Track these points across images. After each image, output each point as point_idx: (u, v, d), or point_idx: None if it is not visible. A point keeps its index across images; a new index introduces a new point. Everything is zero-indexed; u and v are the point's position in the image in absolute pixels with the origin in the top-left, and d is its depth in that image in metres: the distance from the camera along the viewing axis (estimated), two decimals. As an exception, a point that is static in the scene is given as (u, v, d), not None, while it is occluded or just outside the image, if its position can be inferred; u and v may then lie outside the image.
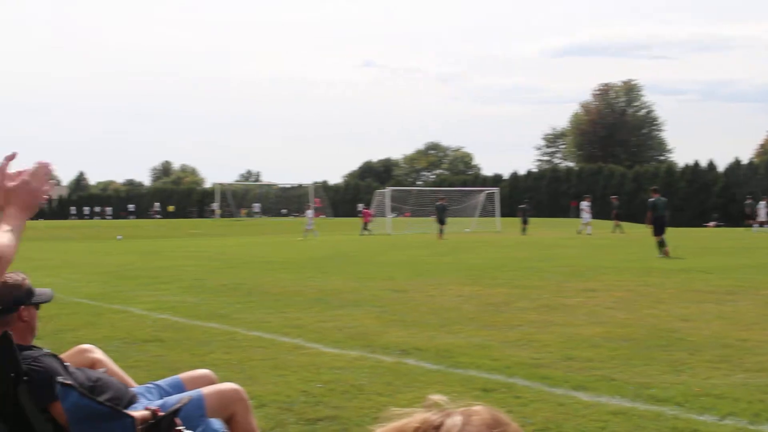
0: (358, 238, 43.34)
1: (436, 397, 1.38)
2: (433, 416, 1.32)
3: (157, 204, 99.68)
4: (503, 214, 56.72)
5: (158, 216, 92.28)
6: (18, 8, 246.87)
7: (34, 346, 4.23)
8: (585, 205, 44.29)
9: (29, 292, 4.23)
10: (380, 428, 1.35)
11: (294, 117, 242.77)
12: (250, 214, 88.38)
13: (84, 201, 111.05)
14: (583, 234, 41.64)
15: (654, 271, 18.27)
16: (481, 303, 13.00)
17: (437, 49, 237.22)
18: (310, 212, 46.62)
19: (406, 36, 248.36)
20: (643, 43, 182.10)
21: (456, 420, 1.30)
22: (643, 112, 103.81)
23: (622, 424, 6.05)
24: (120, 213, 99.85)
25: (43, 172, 2.89)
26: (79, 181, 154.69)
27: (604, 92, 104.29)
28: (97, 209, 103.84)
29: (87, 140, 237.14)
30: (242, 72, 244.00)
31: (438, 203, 42.70)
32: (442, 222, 40.77)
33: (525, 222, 44.63)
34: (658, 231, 23.79)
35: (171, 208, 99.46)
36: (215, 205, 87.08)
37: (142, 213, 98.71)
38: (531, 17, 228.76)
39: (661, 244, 23.42)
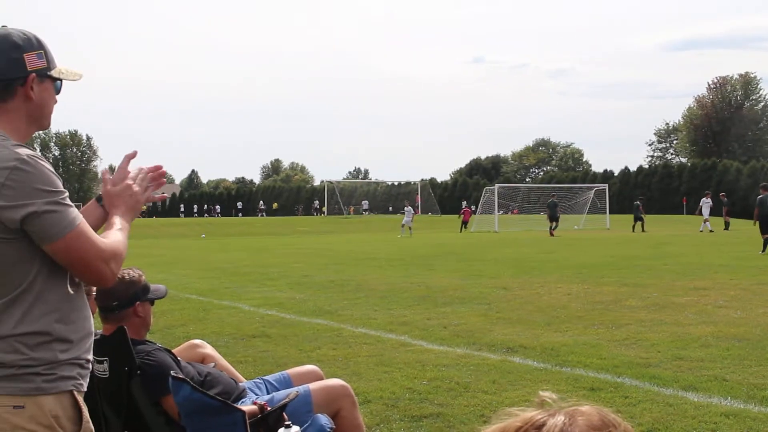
0: (467, 234, 43.20)
1: (546, 394, 1.35)
2: (537, 415, 1.30)
3: (260, 202, 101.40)
4: (613, 211, 55.77)
5: (261, 214, 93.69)
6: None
7: (148, 341, 4.36)
8: (704, 201, 42.58)
9: (145, 289, 4.35)
10: (488, 428, 1.35)
11: (402, 114, 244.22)
12: (358, 212, 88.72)
13: (195, 199, 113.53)
14: (705, 231, 40.23)
15: (770, 269, 17.73)
16: (588, 301, 12.83)
17: (546, 45, 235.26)
18: (408, 209, 46.02)
19: (516, 31, 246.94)
20: (760, 35, 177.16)
21: (558, 420, 1.27)
22: (760, 105, 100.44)
23: (734, 426, 5.90)
24: (231, 210, 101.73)
25: (144, 176, 3.02)
26: (192, 179, 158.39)
27: (720, 85, 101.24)
28: (205, 207, 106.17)
29: (200, 139, 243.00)
30: (351, 70, 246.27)
31: (549, 200, 42.34)
32: (552, 219, 40.42)
33: (638, 219, 43.14)
34: (764, 229, 23.39)
35: (275, 206, 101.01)
36: (317, 203, 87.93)
37: (251, 211, 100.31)
38: (645, 11, 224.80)
39: (766, 242, 23.07)
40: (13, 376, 2.52)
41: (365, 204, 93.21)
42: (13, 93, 2.66)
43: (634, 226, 42.89)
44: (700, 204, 43.44)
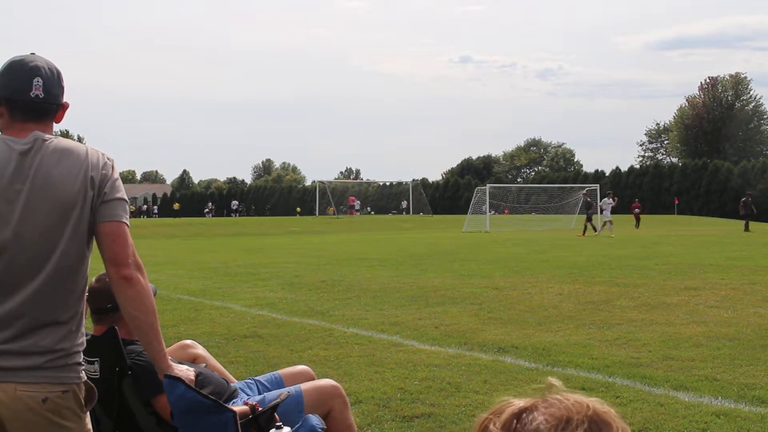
0: (460, 235, 43.07)
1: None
2: (515, 402, 1.25)
3: (235, 202, 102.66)
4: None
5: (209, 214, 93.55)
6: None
7: (138, 341, 4.34)
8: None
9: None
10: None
11: (393, 114, 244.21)
12: (348, 212, 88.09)
13: (187, 199, 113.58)
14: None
15: (760, 269, 17.76)
16: (580, 301, 12.85)
17: (533, 44, 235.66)
18: (608, 201, 40.46)
19: (504, 31, 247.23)
20: (748, 34, 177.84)
21: (515, 407, 1.23)
22: (751, 105, 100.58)
23: (724, 425, 5.92)
24: (208, 211, 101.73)
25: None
26: (183, 179, 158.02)
27: (711, 86, 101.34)
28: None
29: (192, 139, 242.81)
30: (341, 70, 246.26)
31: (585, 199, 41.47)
32: (588, 218, 39.65)
33: (748, 217, 40.77)
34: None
35: (176, 206, 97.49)
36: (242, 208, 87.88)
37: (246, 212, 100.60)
38: (635, 10, 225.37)
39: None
40: (65, 366, 2.88)
41: (357, 204, 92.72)
42: (55, 116, 3.01)
43: (747, 224, 40.84)
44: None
